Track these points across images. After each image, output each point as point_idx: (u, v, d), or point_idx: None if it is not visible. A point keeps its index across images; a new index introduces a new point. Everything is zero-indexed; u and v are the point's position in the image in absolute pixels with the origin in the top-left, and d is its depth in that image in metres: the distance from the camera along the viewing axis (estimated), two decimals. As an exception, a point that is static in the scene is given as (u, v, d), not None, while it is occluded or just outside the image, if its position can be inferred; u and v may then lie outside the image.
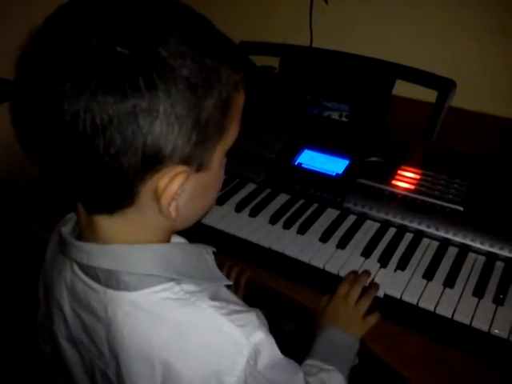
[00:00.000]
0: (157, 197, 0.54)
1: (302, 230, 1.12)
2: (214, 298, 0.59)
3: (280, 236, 1.11)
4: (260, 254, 1.08)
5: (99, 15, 0.49)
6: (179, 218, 0.58)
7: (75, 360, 0.69)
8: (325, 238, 1.10)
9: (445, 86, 1.27)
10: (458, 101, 1.29)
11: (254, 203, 1.21)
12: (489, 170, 1.19)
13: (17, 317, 1.39)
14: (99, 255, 0.58)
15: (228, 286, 0.66)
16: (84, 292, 0.61)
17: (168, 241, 0.65)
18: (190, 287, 0.59)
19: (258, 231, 1.12)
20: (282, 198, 1.24)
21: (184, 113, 0.50)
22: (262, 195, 1.24)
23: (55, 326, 0.69)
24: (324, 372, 0.82)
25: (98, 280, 0.59)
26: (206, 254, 0.65)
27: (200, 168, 0.56)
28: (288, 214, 1.17)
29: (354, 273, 0.99)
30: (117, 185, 0.52)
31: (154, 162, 0.51)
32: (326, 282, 1.01)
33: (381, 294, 0.97)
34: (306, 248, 1.07)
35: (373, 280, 0.99)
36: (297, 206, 1.21)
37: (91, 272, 0.60)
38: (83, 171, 0.51)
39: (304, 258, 1.05)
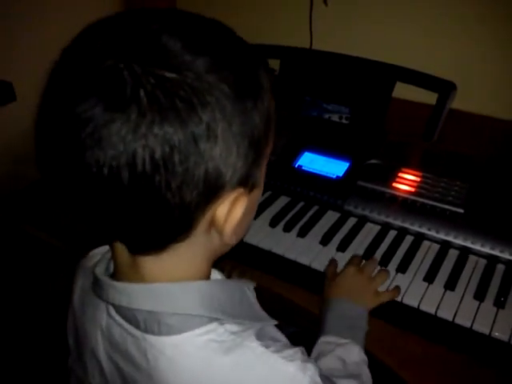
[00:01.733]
0: (216, 225, 0.52)
1: (303, 233, 1.12)
2: (259, 336, 0.56)
3: (280, 239, 1.11)
4: (260, 256, 1.08)
5: (130, 41, 0.45)
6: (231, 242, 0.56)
7: None
8: (325, 240, 1.09)
9: (445, 88, 1.27)
10: (458, 103, 1.29)
11: (254, 206, 1.20)
12: (489, 172, 1.19)
13: (16, 319, 1.38)
14: (140, 296, 0.54)
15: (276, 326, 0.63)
16: (122, 338, 0.57)
17: (209, 271, 0.62)
18: (234, 327, 0.55)
19: (258, 234, 1.12)
20: (282, 201, 1.23)
21: (240, 131, 0.47)
22: (263, 198, 1.24)
23: (89, 376, 0.64)
24: (340, 347, 0.82)
25: (136, 325, 0.55)
26: (248, 291, 0.62)
27: (254, 186, 0.53)
28: (288, 217, 1.17)
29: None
30: (177, 220, 0.48)
31: (215, 189, 0.48)
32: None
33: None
34: (307, 251, 1.07)
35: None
36: (297, 208, 1.21)
37: (130, 316, 0.56)
38: (138, 212, 0.46)
39: (304, 260, 1.05)
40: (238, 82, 0.47)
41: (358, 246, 1.08)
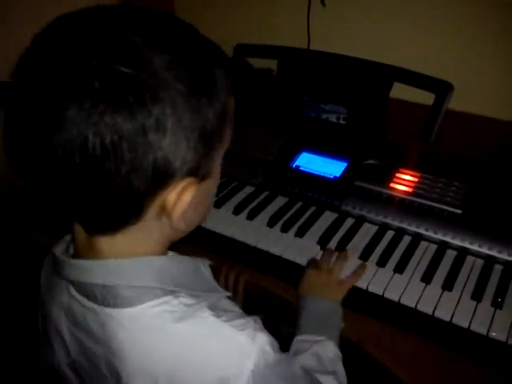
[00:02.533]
0: (166, 211, 0.54)
1: (300, 233, 1.12)
2: (212, 308, 0.59)
3: (278, 239, 1.11)
4: (258, 256, 1.08)
5: (92, 35, 0.48)
6: (184, 228, 0.59)
7: None
8: (323, 241, 1.09)
9: (442, 88, 1.27)
10: (455, 103, 1.29)
11: (251, 206, 1.21)
12: (487, 172, 1.19)
13: (15, 320, 1.38)
14: (95, 271, 0.58)
15: (227, 297, 0.65)
16: (82, 314, 0.60)
17: (165, 252, 0.64)
18: (188, 300, 0.59)
19: (256, 234, 1.12)
20: (280, 201, 1.23)
21: (191, 125, 0.50)
22: (260, 198, 1.24)
23: (56, 353, 0.67)
24: (316, 344, 0.84)
25: (94, 299, 0.58)
26: (202, 268, 0.65)
27: (204, 177, 0.56)
28: (286, 217, 1.17)
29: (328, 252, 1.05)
30: (126, 204, 0.51)
31: (164, 177, 0.51)
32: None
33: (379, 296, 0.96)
34: (304, 251, 1.07)
35: (370, 282, 0.99)
36: (295, 208, 1.21)
37: (88, 291, 0.59)
38: (91, 194, 0.50)
39: (302, 260, 1.04)
40: (192, 79, 0.50)
41: (356, 246, 1.08)
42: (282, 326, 1.12)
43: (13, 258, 1.36)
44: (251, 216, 1.17)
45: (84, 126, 0.46)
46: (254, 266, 1.06)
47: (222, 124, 0.55)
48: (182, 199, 0.54)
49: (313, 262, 1.01)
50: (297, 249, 1.08)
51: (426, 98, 1.29)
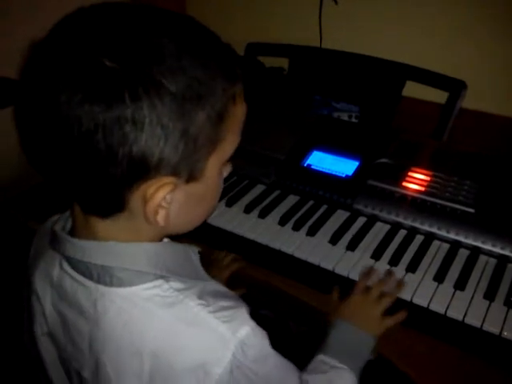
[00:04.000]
0: (145, 205, 0.56)
1: (312, 232, 1.11)
2: (201, 295, 0.61)
3: (289, 238, 1.11)
4: (269, 255, 1.08)
5: (94, 29, 0.51)
6: (171, 226, 0.60)
7: (53, 358, 0.70)
8: (334, 239, 1.09)
9: (455, 87, 1.27)
10: (468, 102, 1.28)
11: (263, 205, 1.21)
12: (500, 171, 1.18)
13: (16, 316, 1.39)
14: (94, 251, 0.60)
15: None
16: (72, 288, 0.63)
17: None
18: (178, 285, 0.61)
19: (268, 233, 1.12)
20: (292, 200, 1.23)
21: (170, 125, 0.51)
22: (272, 197, 1.24)
23: (36, 323, 0.70)
24: (335, 370, 0.82)
25: (89, 276, 0.61)
26: (192, 254, 0.66)
27: (191, 179, 0.57)
28: (297, 216, 1.17)
29: (371, 270, 1.00)
30: (106, 191, 0.54)
31: (140, 171, 0.52)
32: (336, 285, 1.00)
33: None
34: (316, 250, 1.07)
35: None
36: (306, 207, 1.20)
37: (83, 268, 0.61)
38: (77, 175, 0.53)
39: (314, 260, 1.05)
40: (184, 87, 0.51)
41: (368, 245, 1.08)
42: (293, 324, 1.12)
43: (22, 254, 1.37)
44: (262, 215, 1.17)
45: (66, 110, 0.49)
46: (265, 265, 1.06)
47: (214, 130, 0.55)
48: (155, 195, 0.55)
49: (362, 283, 0.97)
50: (308, 247, 1.08)
51: (438, 96, 1.29)
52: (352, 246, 1.07)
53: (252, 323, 0.60)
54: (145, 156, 0.51)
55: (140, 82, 0.49)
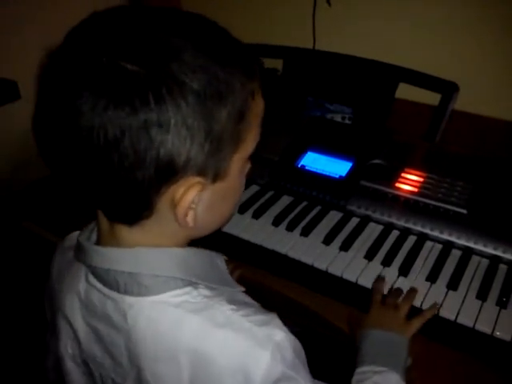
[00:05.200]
0: (174, 207, 0.55)
1: (305, 232, 1.12)
2: (231, 301, 0.60)
3: (283, 238, 1.11)
4: (263, 256, 1.09)
5: (110, 33, 0.51)
6: (197, 227, 0.59)
7: (81, 383, 0.68)
8: (328, 240, 1.10)
9: (448, 89, 1.27)
10: (460, 103, 1.29)
11: (257, 205, 1.21)
12: (492, 172, 1.19)
13: (16, 316, 1.39)
14: (121, 258, 0.59)
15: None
16: (101, 302, 0.62)
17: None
18: (207, 292, 0.60)
19: (261, 233, 1.12)
20: (285, 200, 1.24)
21: (195, 124, 0.50)
22: (265, 197, 1.25)
23: (61, 345, 0.68)
24: (377, 374, 0.80)
25: (116, 288, 0.60)
26: (218, 261, 0.66)
27: (217, 178, 0.56)
28: (291, 216, 1.17)
29: (379, 282, 0.98)
30: (134, 197, 0.53)
31: (167, 173, 0.52)
32: (330, 285, 1.01)
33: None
34: (309, 250, 1.07)
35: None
36: (300, 208, 1.21)
37: (110, 280, 0.60)
38: (102, 183, 0.53)
39: (307, 260, 1.05)
40: (205, 81, 0.50)
41: (361, 245, 1.09)
42: (286, 324, 1.12)
43: (17, 254, 1.36)
44: (256, 215, 1.17)
45: (90, 117, 0.48)
46: (259, 265, 1.07)
47: (236, 126, 0.55)
48: (185, 197, 0.54)
49: (378, 296, 0.95)
50: (302, 248, 1.08)
51: (431, 98, 1.29)
52: (345, 247, 1.08)
53: (285, 328, 0.60)
54: (172, 158, 0.51)
55: (163, 83, 0.48)
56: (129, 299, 0.59)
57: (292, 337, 0.60)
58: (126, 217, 0.57)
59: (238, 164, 0.58)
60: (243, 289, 0.67)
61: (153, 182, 0.52)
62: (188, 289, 0.59)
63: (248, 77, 0.55)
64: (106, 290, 0.61)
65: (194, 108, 0.50)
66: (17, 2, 1.39)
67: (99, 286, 0.61)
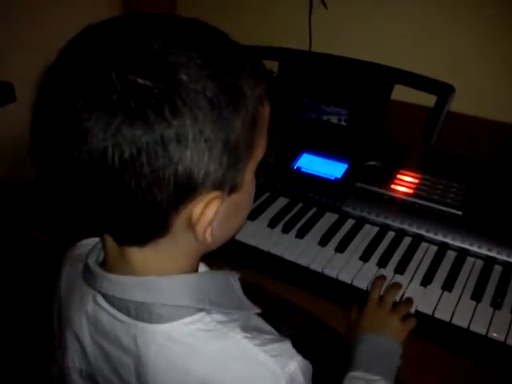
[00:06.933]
0: (191, 225, 0.53)
1: (301, 234, 1.12)
2: (245, 328, 0.58)
3: (279, 240, 1.11)
4: (258, 257, 1.09)
5: (114, 45, 0.48)
6: (213, 242, 0.57)
7: None
8: (324, 241, 1.10)
9: (444, 90, 1.28)
10: (456, 105, 1.30)
11: (252, 207, 1.21)
12: (487, 174, 1.19)
13: (14, 317, 1.39)
14: (134, 288, 0.57)
15: (258, 314, 0.64)
16: (110, 324, 0.60)
17: (197, 265, 0.64)
18: (220, 317, 0.58)
19: (257, 235, 1.12)
20: (281, 202, 1.24)
21: (213, 136, 0.48)
22: (261, 199, 1.25)
23: (68, 358, 0.67)
24: (370, 383, 0.81)
25: (127, 312, 0.58)
26: (232, 281, 0.63)
27: (233, 190, 0.54)
28: (287, 218, 1.17)
29: (380, 279, 0.98)
30: (150, 218, 0.51)
31: (186, 190, 0.49)
32: (325, 286, 1.01)
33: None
34: (305, 252, 1.07)
35: (370, 283, 0.99)
36: (296, 209, 1.21)
37: (120, 304, 0.58)
38: (114, 207, 0.50)
39: (303, 261, 1.05)
40: (218, 90, 0.48)
41: (357, 247, 1.09)
42: (282, 326, 1.12)
43: (12, 256, 1.36)
44: (252, 217, 1.17)
45: (102, 138, 0.45)
46: (254, 267, 1.06)
47: (250, 134, 0.53)
48: (205, 213, 0.52)
49: (375, 295, 0.95)
50: (298, 249, 1.08)
51: (427, 99, 1.30)
52: (341, 248, 1.08)
53: (299, 357, 0.59)
54: (191, 174, 0.48)
55: (177, 94, 0.46)
56: (140, 324, 0.57)
57: (302, 362, 0.59)
58: (138, 238, 0.55)
59: (250, 173, 0.57)
60: (259, 310, 0.64)
61: (171, 199, 0.49)
62: (201, 315, 0.58)
63: (256, 81, 0.53)
64: (115, 313, 0.59)
65: (211, 118, 0.48)
66: (12, 4, 1.39)
67: (108, 307, 0.60)
